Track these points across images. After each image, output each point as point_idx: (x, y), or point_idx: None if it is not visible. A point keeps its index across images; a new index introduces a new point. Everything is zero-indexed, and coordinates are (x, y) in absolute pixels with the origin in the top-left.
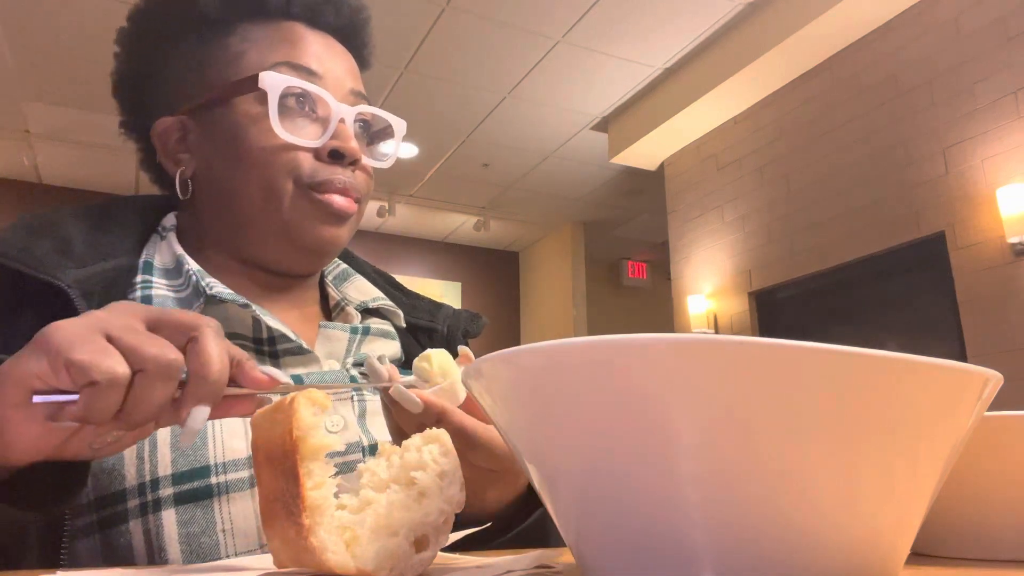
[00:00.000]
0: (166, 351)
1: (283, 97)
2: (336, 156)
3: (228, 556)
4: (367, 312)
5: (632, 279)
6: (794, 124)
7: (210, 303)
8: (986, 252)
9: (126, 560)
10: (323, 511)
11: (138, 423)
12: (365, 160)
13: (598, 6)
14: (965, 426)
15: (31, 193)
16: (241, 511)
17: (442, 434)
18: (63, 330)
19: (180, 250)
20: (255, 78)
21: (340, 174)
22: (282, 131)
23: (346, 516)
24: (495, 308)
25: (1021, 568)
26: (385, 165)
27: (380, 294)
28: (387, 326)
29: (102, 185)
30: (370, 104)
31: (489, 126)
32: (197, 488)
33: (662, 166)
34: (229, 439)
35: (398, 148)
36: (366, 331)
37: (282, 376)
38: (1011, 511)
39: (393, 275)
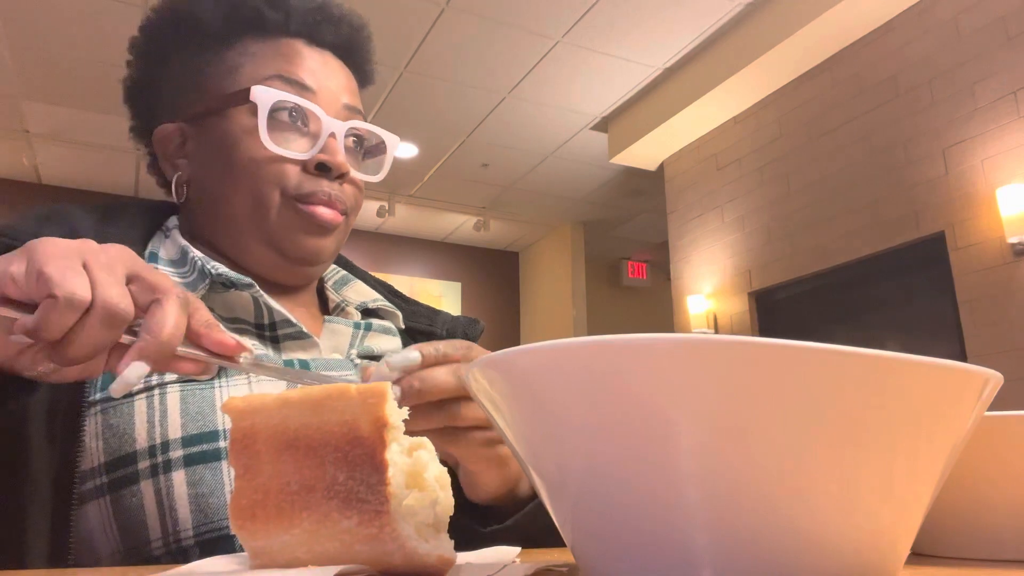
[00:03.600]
0: (121, 299)
1: (274, 110)
2: (323, 169)
3: None
4: (367, 313)
5: (632, 279)
6: (794, 124)
7: (214, 288)
8: (986, 252)
9: (137, 520)
10: (400, 500)
11: (70, 359)
12: (354, 174)
13: (598, 6)
14: (965, 426)
15: (31, 193)
16: None
17: (425, 441)
18: (49, 244)
19: (184, 242)
20: (248, 91)
21: (326, 186)
22: (270, 143)
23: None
24: (495, 308)
25: (1021, 568)
26: (375, 179)
27: (379, 296)
28: (388, 324)
29: (102, 185)
30: (366, 120)
31: (489, 126)
32: (206, 451)
33: (662, 166)
34: None
35: (389, 163)
36: (368, 327)
37: (247, 344)
38: (1011, 511)
39: (393, 275)
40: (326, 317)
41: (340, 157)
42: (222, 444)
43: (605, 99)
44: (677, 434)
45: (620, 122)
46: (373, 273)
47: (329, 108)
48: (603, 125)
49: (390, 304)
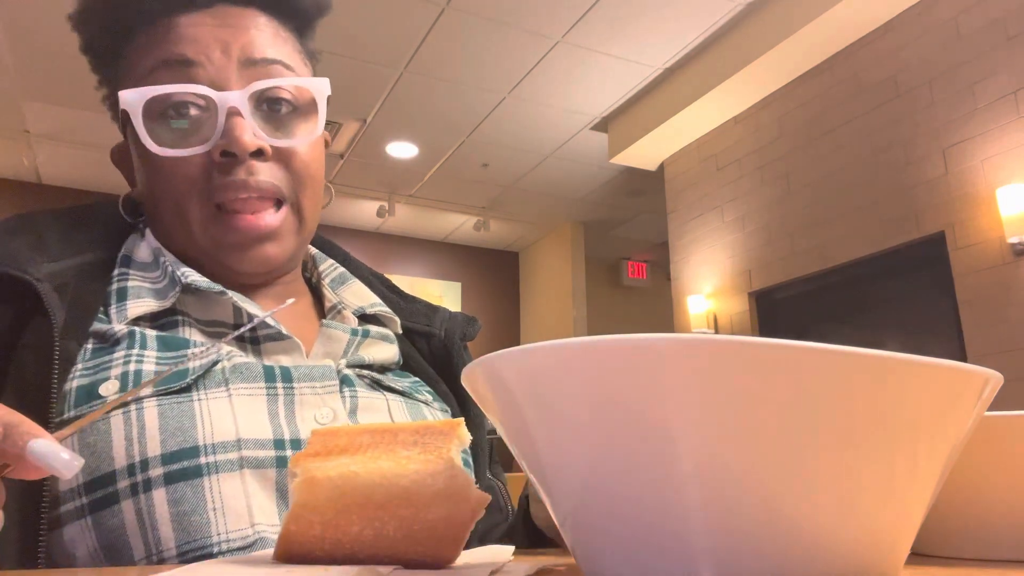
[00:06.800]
0: None
1: (157, 107)
2: (230, 154)
3: (218, 535)
4: (364, 318)
5: (632, 279)
6: (794, 124)
7: (188, 291)
8: (986, 252)
9: (120, 539)
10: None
11: None
12: (275, 143)
13: (598, 6)
14: (965, 426)
15: (31, 193)
16: (231, 491)
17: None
18: None
19: (157, 244)
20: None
21: (242, 173)
22: (156, 147)
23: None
24: (495, 308)
25: (1021, 568)
26: (311, 139)
27: (377, 299)
28: (385, 331)
29: (102, 185)
30: (287, 65)
31: (489, 126)
32: (186, 468)
33: (662, 166)
34: (218, 422)
35: (323, 113)
36: (365, 334)
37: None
38: (1011, 511)
39: (392, 276)
40: (323, 321)
41: (246, 135)
42: (203, 460)
43: (605, 99)
44: (677, 434)
45: (620, 122)
46: None
47: (221, 77)
48: (603, 125)
49: (388, 309)
